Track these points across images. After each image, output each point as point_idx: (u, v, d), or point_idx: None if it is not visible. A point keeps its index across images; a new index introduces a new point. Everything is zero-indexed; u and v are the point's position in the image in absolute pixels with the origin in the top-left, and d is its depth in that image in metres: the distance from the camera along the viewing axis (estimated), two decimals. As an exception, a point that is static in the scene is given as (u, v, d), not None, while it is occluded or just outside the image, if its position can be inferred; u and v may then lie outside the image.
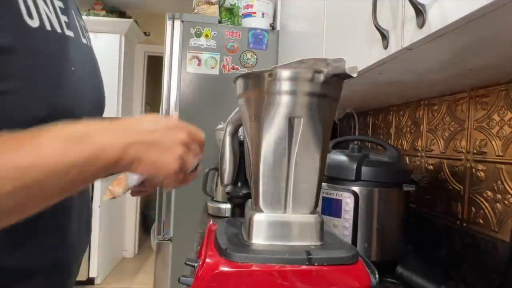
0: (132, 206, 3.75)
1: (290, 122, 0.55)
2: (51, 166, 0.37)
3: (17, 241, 0.48)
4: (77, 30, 0.59)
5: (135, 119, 0.47)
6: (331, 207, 0.87)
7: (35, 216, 0.40)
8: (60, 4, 0.55)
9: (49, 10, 0.51)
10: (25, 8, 0.45)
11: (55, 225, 0.54)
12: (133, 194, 0.59)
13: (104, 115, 0.69)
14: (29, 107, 0.45)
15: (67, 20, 0.55)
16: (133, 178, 0.52)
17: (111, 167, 0.42)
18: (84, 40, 0.61)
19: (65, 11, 0.56)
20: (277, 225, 0.56)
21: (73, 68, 0.54)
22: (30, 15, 0.46)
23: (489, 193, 0.81)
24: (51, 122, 0.41)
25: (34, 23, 0.47)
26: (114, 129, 0.43)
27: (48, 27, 0.50)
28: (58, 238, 0.55)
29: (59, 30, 0.52)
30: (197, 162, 0.52)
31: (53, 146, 0.38)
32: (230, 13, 2.00)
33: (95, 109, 0.61)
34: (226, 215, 1.36)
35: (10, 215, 0.38)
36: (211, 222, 0.72)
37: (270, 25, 1.94)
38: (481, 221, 0.83)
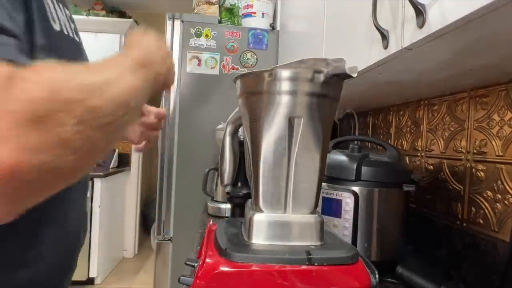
0: (132, 206, 3.75)
1: (290, 122, 0.55)
2: (128, 88, 0.41)
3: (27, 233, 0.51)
4: (79, 36, 0.64)
5: (146, 44, 0.52)
6: (331, 207, 0.87)
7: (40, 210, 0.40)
8: (67, 12, 0.59)
9: (64, 18, 0.56)
10: (50, 13, 0.51)
11: (56, 215, 0.56)
12: (137, 149, 0.70)
13: None
14: None
15: (74, 27, 0.60)
16: None
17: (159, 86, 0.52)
18: (82, 46, 0.66)
19: (71, 19, 0.61)
20: (277, 225, 0.56)
21: None
22: (54, 20, 0.51)
23: (489, 193, 0.81)
24: None
25: (57, 27, 0.52)
26: (151, 58, 0.50)
27: (65, 32, 0.55)
28: (60, 227, 0.58)
29: (71, 36, 0.57)
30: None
31: (129, 76, 0.42)
32: (230, 13, 2.00)
33: None
34: (226, 215, 1.36)
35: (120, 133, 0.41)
36: (211, 222, 0.72)
37: (270, 25, 1.94)
38: (481, 221, 0.83)
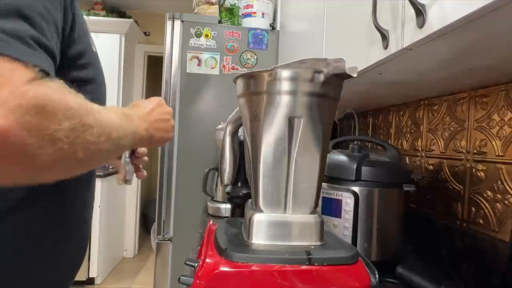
0: (132, 206, 3.75)
1: (290, 122, 0.55)
2: (114, 123, 0.49)
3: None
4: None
5: (141, 105, 0.64)
6: (331, 207, 0.87)
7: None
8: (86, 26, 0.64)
9: (90, 35, 0.64)
10: (90, 38, 0.61)
11: (81, 219, 0.65)
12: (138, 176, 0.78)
13: None
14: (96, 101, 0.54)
15: (92, 38, 0.66)
16: (129, 168, 0.74)
17: (143, 142, 0.59)
18: None
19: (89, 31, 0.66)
20: (277, 225, 0.56)
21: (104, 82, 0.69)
22: (93, 43, 0.62)
23: (489, 193, 0.81)
24: None
25: (94, 48, 0.63)
26: (138, 115, 0.60)
27: (95, 50, 0.63)
28: (82, 231, 0.66)
29: (95, 50, 0.64)
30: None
31: (115, 115, 0.51)
32: (230, 13, 1.99)
33: None
34: (226, 215, 1.36)
35: (105, 157, 0.49)
36: (211, 222, 0.72)
37: (270, 25, 1.94)
38: (481, 221, 0.83)
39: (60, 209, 0.58)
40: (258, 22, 1.92)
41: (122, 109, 0.56)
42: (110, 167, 3.43)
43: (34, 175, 0.41)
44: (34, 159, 0.37)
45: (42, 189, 0.48)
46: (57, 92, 0.39)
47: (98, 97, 0.61)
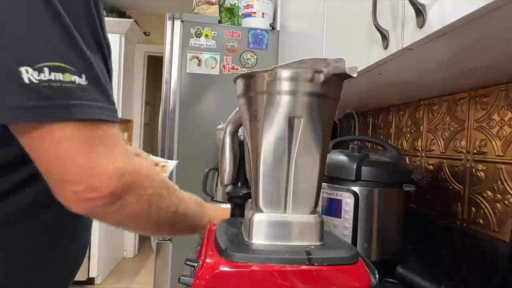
0: (132, 206, 3.74)
1: (290, 122, 0.55)
2: (184, 201, 0.63)
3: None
4: None
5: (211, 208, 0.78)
6: (331, 207, 0.87)
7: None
8: None
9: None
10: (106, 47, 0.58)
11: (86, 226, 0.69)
12: None
13: None
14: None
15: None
16: (172, 165, 0.82)
17: (199, 229, 0.70)
18: None
19: None
20: (277, 225, 0.56)
21: None
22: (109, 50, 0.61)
23: (489, 193, 0.81)
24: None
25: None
26: (213, 207, 0.78)
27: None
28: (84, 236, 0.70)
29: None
30: None
31: (193, 204, 0.67)
32: (230, 13, 1.99)
33: None
34: (226, 215, 1.36)
35: (161, 232, 0.70)
36: (211, 222, 0.72)
37: (270, 25, 1.94)
38: (481, 221, 0.83)
39: (66, 214, 0.59)
40: (258, 22, 1.92)
41: (200, 199, 0.71)
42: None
43: (118, 223, 0.58)
44: (124, 210, 0.51)
45: (50, 197, 0.49)
46: (147, 168, 0.55)
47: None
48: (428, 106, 1.07)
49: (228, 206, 0.84)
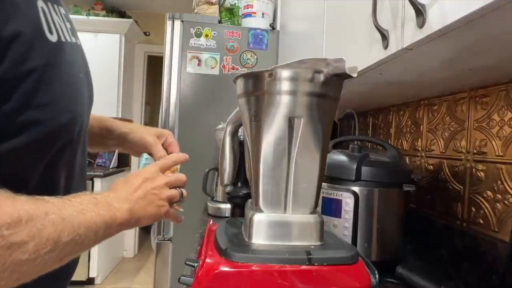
0: (132, 206, 3.74)
1: (290, 122, 0.55)
2: (91, 222, 0.47)
3: None
4: (76, 34, 0.60)
5: (128, 182, 0.59)
6: (331, 207, 0.87)
7: None
8: (63, 10, 0.56)
9: (60, 19, 0.53)
10: (46, 25, 0.48)
11: None
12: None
13: (106, 114, 0.80)
14: (56, 117, 0.48)
15: (70, 26, 0.57)
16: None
17: (127, 225, 0.54)
18: (78, 42, 0.62)
19: (66, 17, 0.57)
20: (277, 225, 0.56)
21: (80, 75, 0.57)
22: (50, 31, 0.49)
23: (489, 193, 0.81)
24: (69, 127, 0.50)
25: (54, 38, 0.50)
26: (118, 197, 0.55)
27: (63, 39, 0.52)
28: None
29: (68, 39, 0.54)
30: (180, 192, 0.66)
31: (91, 211, 0.48)
32: (230, 13, 1.99)
33: (90, 107, 0.63)
34: (226, 215, 1.36)
35: (57, 263, 0.45)
36: (211, 222, 0.72)
37: (270, 25, 1.94)
38: (481, 221, 0.83)
39: None
40: (258, 22, 1.92)
41: (93, 196, 0.51)
42: (110, 167, 3.43)
43: None
44: None
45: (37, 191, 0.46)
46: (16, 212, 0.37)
47: (55, 86, 0.49)
48: (428, 106, 1.07)
49: (228, 205, 0.83)
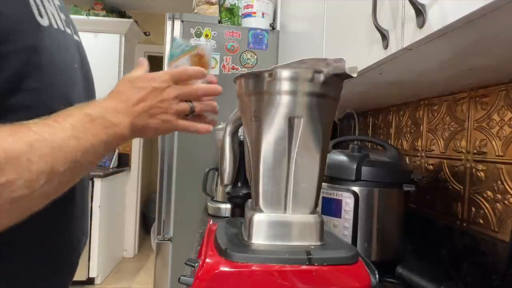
0: (132, 206, 3.75)
1: (290, 122, 0.55)
2: (87, 145, 0.44)
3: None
4: (71, 27, 0.60)
5: (128, 92, 0.52)
6: (331, 207, 0.87)
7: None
8: (57, 1, 0.56)
9: (52, 8, 0.53)
10: (36, 8, 0.48)
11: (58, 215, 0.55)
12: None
13: None
14: (49, 104, 0.47)
15: (64, 18, 0.57)
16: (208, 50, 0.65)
17: (125, 141, 0.51)
18: (76, 37, 0.62)
19: (61, 9, 0.57)
20: (277, 225, 0.56)
21: (75, 65, 0.57)
22: (41, 15, 0.49)
23: (489, 193, 0.81)
24: None
25: (44, 22, 0.49)
26: (116, 108, 0.50)
27: (55, 25, 0.52)
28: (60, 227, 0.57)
29: (62, 28, 0.54)
30: (191, 106, 0.59)
31: (85, 133, 0.44)
32: (230, 13, 1.99)
33: (89, 100, 0.61)
34: (226, 215, 1.36)
35: (63, 188, 0.43)
36: (211, 222, 0.72)
37: (270, 25, 1.94)
38: (481, 221, 0.83)
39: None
40: (258, 22, 1.92)
41: (87, 113, 0.46)
42: (111, 167, 3.43)
43: None
44: None
45: None
46: None
47: (48, 70, 0.48)
48: (428, 106, 1.07)
49: (229, 205, 0.82)
